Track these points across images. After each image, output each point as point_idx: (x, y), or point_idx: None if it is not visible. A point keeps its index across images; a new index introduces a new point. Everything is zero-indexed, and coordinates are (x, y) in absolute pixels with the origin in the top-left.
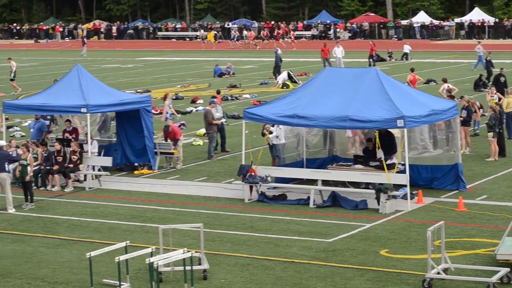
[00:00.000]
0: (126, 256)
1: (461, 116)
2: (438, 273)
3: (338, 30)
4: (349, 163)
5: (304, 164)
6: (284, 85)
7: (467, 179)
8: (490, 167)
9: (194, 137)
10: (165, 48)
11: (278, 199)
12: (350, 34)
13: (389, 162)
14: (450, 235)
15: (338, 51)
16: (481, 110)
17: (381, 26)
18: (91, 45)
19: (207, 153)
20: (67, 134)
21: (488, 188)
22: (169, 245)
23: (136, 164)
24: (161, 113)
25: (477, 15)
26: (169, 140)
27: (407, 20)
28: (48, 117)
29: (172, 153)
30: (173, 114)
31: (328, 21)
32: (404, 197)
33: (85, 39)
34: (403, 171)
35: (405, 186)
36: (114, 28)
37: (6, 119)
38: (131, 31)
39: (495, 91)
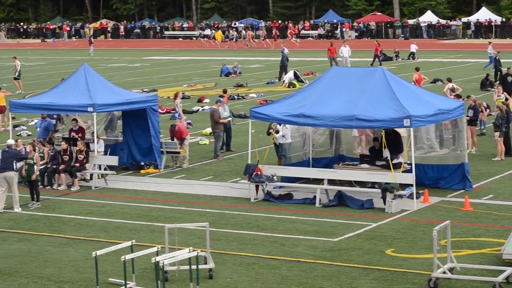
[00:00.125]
0: (132, 255)
1: (467, 116)
2: (444, 272)
3: (344, 30)
4: (355, 163)
5: (310, 163)
6: (291, 84)
7: (473, 179)
8: (497, 167)
9: (200, 136)
10: (172, 48)
11: (284, 199)
12: (357, 34)
13: (395, 161)
14: (456, 235)
15: (345, 51)
16: (487, 110)
17: (388, 25)
18: (97, 44)
19: (213, 152)
20: (73, 133)
21: (494, 188)
22: (175, 244)
23: (142, 163)
24: (167, 112)
25: (484, 14)
26: (175, 139)
27: (414, 20)
28: (55, 116)
29: (178, 152)
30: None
31: (335, 21)
32: (410, 196)
33: (92, 38)
34: (409, 171)
35: (411, 185)
36: (122, 28)
37: (13, 118)
38: (138, 30)
39: (502, 91)
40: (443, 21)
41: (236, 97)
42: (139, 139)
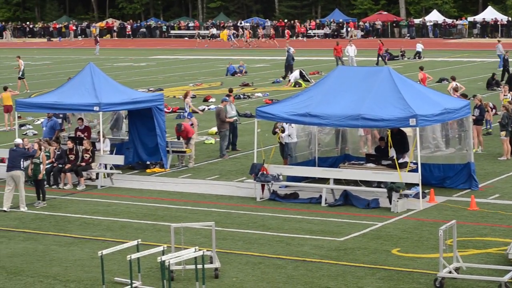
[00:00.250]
0: (137, 255)
1: (473, 115)
2: (450, 272)
3: (349, 29)
4: (361, 162)
5: (316, 162)
6: (297, 83)
7: (479, 178)
8: (503, 166)
9: (206, 136)
10: (178, 47)
11: (290, 198)
12: (362, 33)
13: (401, 161)
14: (462, 234)
15: (351, 50)
16: (493, 110)
17: (394, 24)
18: (103, 43)
19: (219, 152)
20: (79, 133)
21: (501, 187)
22: (180, 244)
23: (148, 162)
24: (173, 111)
25: (490, 13)
26: (181, 139)
27: (420, 19)
28: (61, 115)
29: (184, 152)
30: (194, 112)
31: (340, 20)
32: (416, 196)
33: (98, 38)
34: (415, 170)
35: (417, 185)
36: (129, 27)
37: (19, 117)
38: (144, 29)
39: (508, 90)
40: (449, 20)
41: (242, 96)
42: (145, 139)
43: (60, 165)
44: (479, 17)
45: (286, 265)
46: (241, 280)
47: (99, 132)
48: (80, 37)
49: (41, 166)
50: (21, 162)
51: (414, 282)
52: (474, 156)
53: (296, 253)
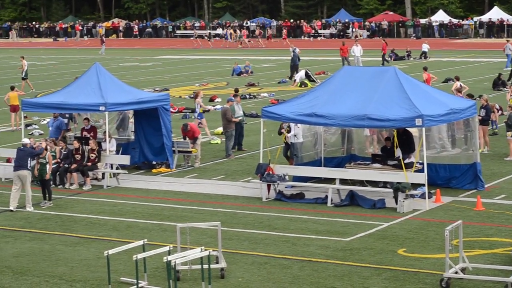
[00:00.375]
0: (143, 255)
1: (479, 115)
2: (456, 272)
3: (354, 29)
4: (367, 162)
5: (322, 163)
6: (302, 83)
7: (485, 178)
8: (509, 166)
9: (212, 136)
10: (184, 47)
11: (296, 198)
12: (368, 33)
13: (407, 161)
14: (468, 235)
15: (357, 50)
16: (499, 111)
17: (400, 24)
18: (109, 43)
19: (225, 152)
20: (85, 133)
21: (507, 188)
22: (186, 244)
23: (154, 162)
24: (179, 111)
25: (496, 13)
26: (187, 139)
27: (426, 19)
28: (67, 115)
29: (190, 152)
30: (205, 111)
31: (346, 20)
32: (422, 196)
33: (103, 38)
34: (421, 170)
35: (423, 185)
36: (136, 27)
37: (25, 117)
38: (150, 29)
39: None
40: (455, 21)
41: (247, 96)
42: (151, 138)
43: (66, 165)
44: (485, 17)
45: (292, 265)
46: (247, 280)
47: (105, 132)
48: (86, 37)
49: (47, 166)
50: (28, 162)
51: (420, 282)
52: (480, 157)
53: (302, 253)
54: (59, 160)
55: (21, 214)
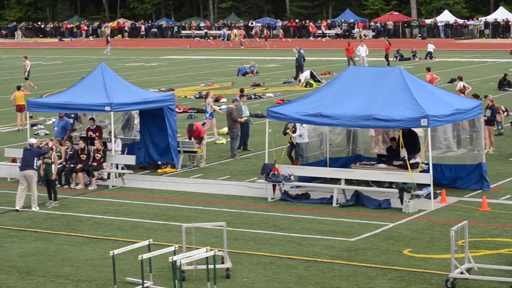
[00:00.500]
0: (149, 255)
1: (485, 116)
2: (462, 273)
3: (358, 29)
4: (373, 162)
5: (327, 163)
6: (308, 84)
7: (491, 179)
8: None
9: (218, 136)
10: (186, 47)
11: (301, 198)
12: (374, 33)
13: (412, 161)
14: (473, 235)
15: (362, 50)
16: (505, 113)
17: (405, 25)
18: (115, 43)
19: (230, 152)
20: (90, 133)
21: None
22: (192, 244)
23: (159, 162)
24: (184, 111)
25: (502, 14)
26: (192, 139)
27: (431, 19)
28: (72, 115)
29: (196, 152)
30: (214, 111)
31: (351, 20)
32: (428, 196)
33: (109, 38)
34: (427, 171)
35: (429, 185)
36: (142, 27)
37: (30, 117)
38: (155, 29)
39: None
40: (460, 21)
41: (253, 96)
42: (156, 139)
43: (72, 165)
44: (490, 18)
45: (297, 265)
46: (252, 280)
47: (110, 132)
48: (91, 37)
49: (53, 166)
50: (35, 161)
51: (426, 282)
52: (486, 157)
53: (307, 253)
54: (64, 160)
55: (26, 214)
